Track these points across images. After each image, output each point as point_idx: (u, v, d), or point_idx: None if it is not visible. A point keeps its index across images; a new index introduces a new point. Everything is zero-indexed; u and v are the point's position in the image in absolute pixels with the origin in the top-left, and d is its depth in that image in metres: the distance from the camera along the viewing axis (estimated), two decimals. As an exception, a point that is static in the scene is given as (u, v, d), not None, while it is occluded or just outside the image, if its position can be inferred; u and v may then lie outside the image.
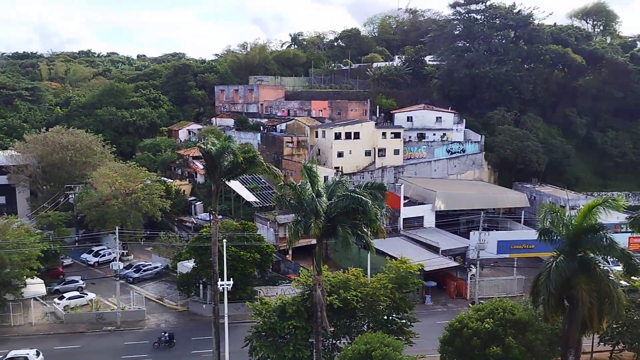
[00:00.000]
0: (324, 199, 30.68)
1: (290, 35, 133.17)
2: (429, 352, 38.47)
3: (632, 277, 38.32)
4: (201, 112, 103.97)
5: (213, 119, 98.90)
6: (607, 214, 29.58)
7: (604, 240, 28.75)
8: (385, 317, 37.98)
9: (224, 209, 69.69)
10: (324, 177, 66.43)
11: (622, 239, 50.66)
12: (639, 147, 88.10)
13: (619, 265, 32.78)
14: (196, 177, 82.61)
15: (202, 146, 39.95)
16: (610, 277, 30.70)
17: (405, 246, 59.13)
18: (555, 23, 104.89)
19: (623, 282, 40.71)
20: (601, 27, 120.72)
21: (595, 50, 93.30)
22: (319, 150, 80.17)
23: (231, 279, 39.39)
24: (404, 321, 38.28)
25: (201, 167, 75.15)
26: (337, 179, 35.61)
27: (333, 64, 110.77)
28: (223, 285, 37.42)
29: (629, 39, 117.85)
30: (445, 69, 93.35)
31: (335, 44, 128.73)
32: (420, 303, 52.66)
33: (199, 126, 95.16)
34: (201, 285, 53.42)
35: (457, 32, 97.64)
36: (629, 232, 44.30)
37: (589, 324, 28.80)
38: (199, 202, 75.77)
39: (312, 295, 32.58)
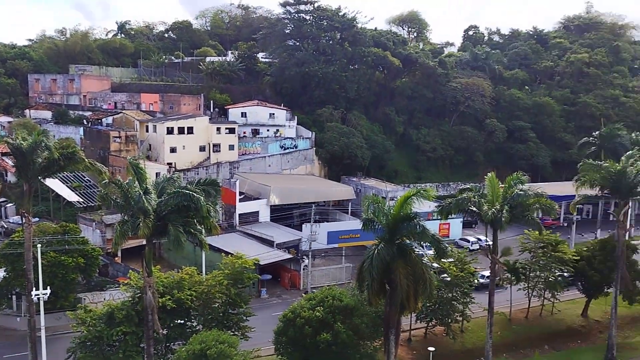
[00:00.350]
0: (153, 197, 29.52)
1: (117, 23, 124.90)
2: (265, 344, 39.24)
3: (442, 260, 43.18)
4: (12, 103, 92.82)
5: (27, 110, 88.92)
6: (420, 203, 32.81)
7: (418, 227, 31.78)
8: (221, 314, 37.86)
9: (42, 211, 63.27)
10: (156, 173, 63.87)
11: (433, 226, 56.79)
12: (446, 143, 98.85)
13: (431, 250, 36.71)
14: (6, 175, 73.57)
15: (11, 141, 35.76)
16: (424, 261, 34.28)
17: (241, 241, 59.37)
18: (376, 27, 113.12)
19: (435, 265, 45.75)
20: (415, 34, 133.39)
21: (410, 54, 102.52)
22: (150, 145, 76.65)
23: (48, 287, 35.93)
24: (240, 316, 38.54)
25: (11, 164, 67.15)
26: (169, 176, 34.49)
27: (164, 56, 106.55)
28: (38, 295, 33.96)
29: (438, 46, 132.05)
30: (277, 67, 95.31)
31: (166, 35, 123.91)
32: (256, 297, 53.35)
33: (9, 119, 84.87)
34: (14, 296, 47.90)
35: (288, 31, 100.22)
36: (438, 219, 49.56)
37: (406, 305, 31.72)
38: (10, 204, 67.72)
39: (143, 298, 31.20)
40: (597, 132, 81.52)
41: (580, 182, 44.84)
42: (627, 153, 46.57)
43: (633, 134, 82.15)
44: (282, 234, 63.90)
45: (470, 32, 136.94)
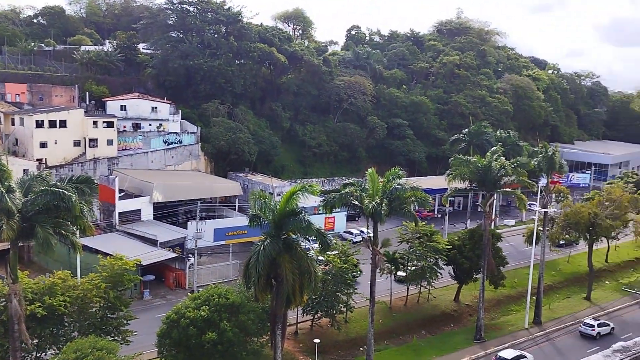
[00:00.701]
0: (17, 196, 27.11)
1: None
2: (148, 348, 37.83)
3: (327, 252, 44.32)
4: None
5: None
6: (306, 198, 33.41)
7: (303, 222, 32.33)
8: (100, 319, 35.85)
9: None
10: (23, 170, 58.83)
11: (319, 220, 58.14)
12: (331, 139, 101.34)
13: (317, 243, 37.50)
14: None
15: None
16: (309, 255, 34.93)
17: (122, 242, 56.53)
18: (261, 23, 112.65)
19: (321, 257, 46.86)
20: (300, 31, 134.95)
21: (295, 51, 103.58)
22: (17, 140, 70.34)
23: None
24: (120, 320, 36.75)
25: None
26: (37, 173, 31.88)
27: (33, 43, 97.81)
28: None
29: (322, 44, 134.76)
30: (159, 59, 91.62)
31: (35, 21, 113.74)
32: (138, 299, 51.19)
33: None
34: None
35: (171, 22, 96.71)
36: (324, 213, 50.80)
37: (292, 299, 32.15)
38: None
39: (7, 307, 28.62)
40: (466, 130, 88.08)
41: (451, 176, 48.24)
42: (492, 149, 50.88)
43: (498, 131, 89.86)
44: (166, 233, 61.78)
45: (353, 32, 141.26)
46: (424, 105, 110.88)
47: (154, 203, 67.47)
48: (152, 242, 58.16)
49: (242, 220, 59.72)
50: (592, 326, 49.87)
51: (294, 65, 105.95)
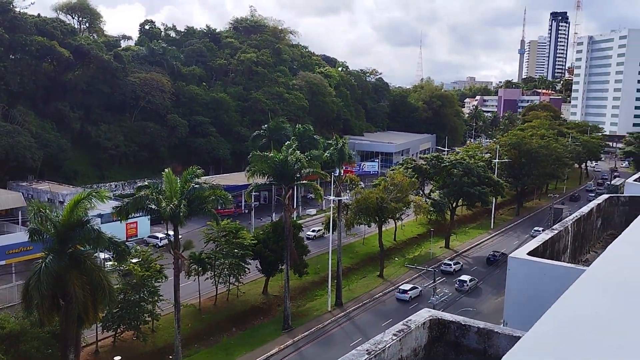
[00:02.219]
0: None
1: None
2: None
3: (129, 261, 41.78)
4: None
5: None
6: (103, 204, 30.89)
7: (92, 232, 29.87)
8: None
9: None
10: None
11: (119, 227, 54.43)
12: (129, 139, 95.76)
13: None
14: None
15: None
16: (103, 267, 32.42)
17: None
18: (39, 14, 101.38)
19: (121, 268, 43.98)
20: (87, 24, 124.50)
21: (81, 45, 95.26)
22: None
23: None
24: None
25: None
26: None
27: None
28: None
29: (113, 38, 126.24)
30: None
31: None
32: None
33: None
34: None
35: None
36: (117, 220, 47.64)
37: (85, 317, 29.56)
38: None
39: None
40: (265, 126, 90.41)
41: (251, 172, 49.03)
42: (287, 143, 52.92)
43: (296, 126, 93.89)
44: None
45: (147, 27, 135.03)
46: (225, 102, 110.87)
47: None
48: None
49: (25, 236, 53.09)
50: (406, 291, 57.37)
51: (81, 61, 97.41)
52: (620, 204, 10.20)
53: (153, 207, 37.12)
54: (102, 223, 60.00)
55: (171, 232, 63.38)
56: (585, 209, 8.98)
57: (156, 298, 45.04)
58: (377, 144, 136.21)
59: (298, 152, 49.49)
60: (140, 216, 66.10)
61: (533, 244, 8.78)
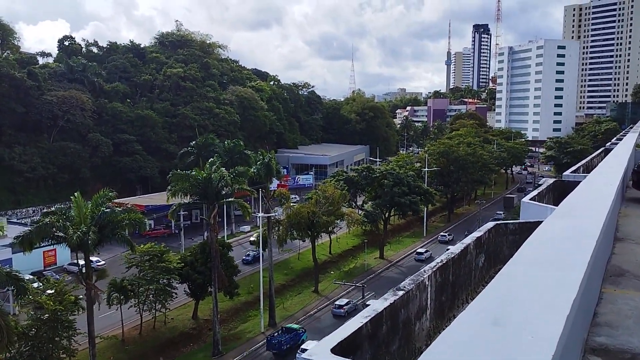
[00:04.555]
0: None
1: None
2: None
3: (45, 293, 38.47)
4: None
5: None
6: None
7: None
8: None
9: None
10: None
11: (34, 255, 50.34)
12: (47, 161, 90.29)
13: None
14: None
15: None
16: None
17: None
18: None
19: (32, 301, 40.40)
20: (0, 41, 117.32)
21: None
22: None
23: None
24: None
25: None
26: None
27: None
28: None
29: (29, 55, 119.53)
30: None
31: None
32: None
33: None
34: None
35: None
36: (40, 246, 44.05)
37: (-21, 362, 26.57)
38: None
39: None
40: (194, 142, 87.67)
41: (172, 191, 46.64)
42: (210, 160, 50.86)
43: (225, 142, 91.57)
44: None
45: (66, 43, 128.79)
46: (151, 119, 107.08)
47: None
48: None
49: None
50: (342, 306, 56.26)
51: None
52: (510, 233, 9.03)
53: (60, 234, 34.17)
54: (13, 253, 56.00)
55: (96, 258, 60.07)
56: (458, 247, 7.31)
57: (71, 332, 41.61)
58: (312, 156, 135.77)
59: (223, 168, 47.59)
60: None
61: (344, 332, 4.42)
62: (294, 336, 48.45)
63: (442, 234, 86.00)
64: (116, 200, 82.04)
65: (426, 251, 76.48)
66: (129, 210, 36.32)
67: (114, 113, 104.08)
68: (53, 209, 38.38)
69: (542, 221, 5.60)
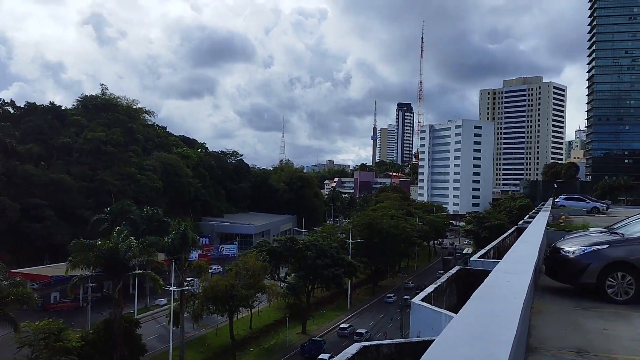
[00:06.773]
0: None
1: None
2: None
3: None
4: None
5: None
6: None
7: None
8: None
9: None
10: None
11: None
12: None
13: None
14: None
15: None
16: None
17: None
18: None
19: None
20: None
21: None
22: None
23: None
24: None
25: None
26: None
27: None
28: None
29: None
30: None
31: None
32: None
33: None
34: None
35: None
36: None
37: None
38: None
39: None
40: (108, 208, 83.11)
41: (72, 262, 42.84)
42: (117, 229, 47.63)
43: (145, 209, 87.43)
44: None
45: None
46: (66, 183, 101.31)
47: None
48: None
49: None
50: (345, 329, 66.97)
51: None
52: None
53: None
54: None
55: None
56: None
57: None
58: (237, 225, 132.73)
59: (132, 237, 44.47)
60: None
61: None
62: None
63: (341, 326, 75.69)
64: (19, 270, 75.59)
65: (349, 326, 74.57)
66: (16, 283, 32.47)
67: (25, 176, 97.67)
68: None
69: (432, 340, 4.34)
